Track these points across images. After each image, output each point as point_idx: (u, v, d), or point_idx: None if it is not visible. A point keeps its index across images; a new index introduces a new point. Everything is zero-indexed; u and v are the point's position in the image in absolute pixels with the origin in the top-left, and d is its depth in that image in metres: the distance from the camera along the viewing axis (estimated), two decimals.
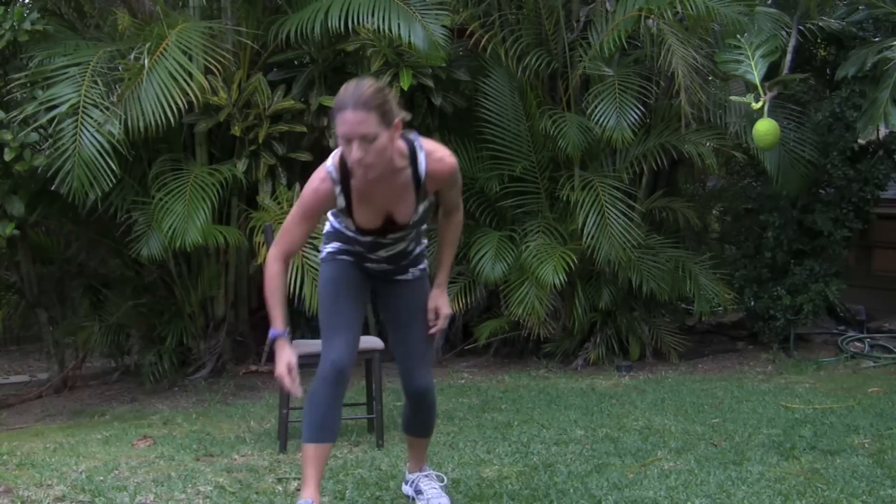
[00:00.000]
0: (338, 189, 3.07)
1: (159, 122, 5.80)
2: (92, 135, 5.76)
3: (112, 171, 5.79)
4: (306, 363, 5.24)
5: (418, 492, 3.50)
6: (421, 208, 3.14)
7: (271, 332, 3.12)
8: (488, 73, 6.92)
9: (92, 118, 5.78)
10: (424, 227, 3.28)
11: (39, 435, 5.25)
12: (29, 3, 6.49)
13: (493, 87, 6.91)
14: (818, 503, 3.42)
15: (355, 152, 2.89)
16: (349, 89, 2.92)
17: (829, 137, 6.77)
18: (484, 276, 6.63)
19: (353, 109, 2.86)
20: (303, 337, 6.46)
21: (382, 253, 3.22)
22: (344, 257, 3.26)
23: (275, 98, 6.54)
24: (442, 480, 3.56)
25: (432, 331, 3.31)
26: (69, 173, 5.74)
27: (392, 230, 3.16)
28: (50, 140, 5.83)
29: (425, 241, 3.40)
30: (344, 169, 3.03)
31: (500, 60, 6.79)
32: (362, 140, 2.87)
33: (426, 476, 3.53)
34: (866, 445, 4.24)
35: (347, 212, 3.11)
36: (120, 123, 5.79)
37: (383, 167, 2.96)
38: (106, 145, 5.75)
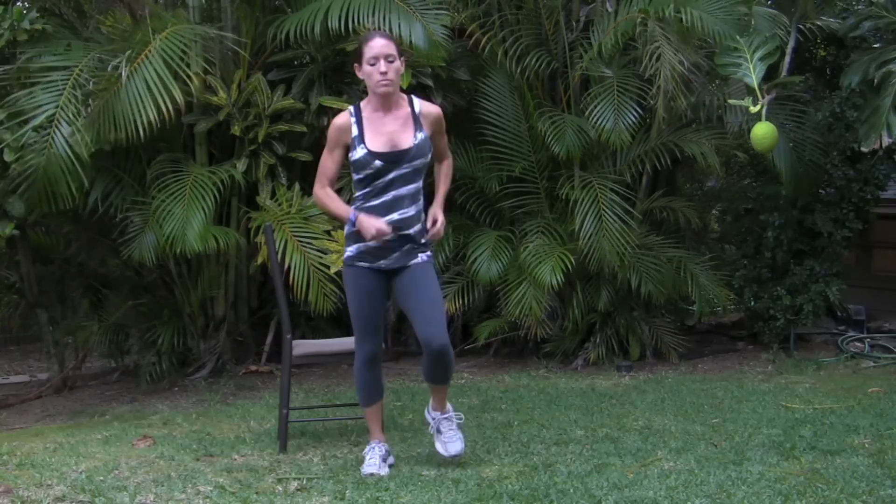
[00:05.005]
0: (353, 120, 3.95)
1: (131, 134, 5.67)
2: (60, 151, 5.57)
3: (71, 191, 5.66)
4: (306, 363, 5.28)
5: (438, 431, 4.14)
6: (419, 136, 3.93)
7: (351, 215, 3.93)
8: (488, 74, 6.92)
9: (62, 134, 5.59)
10: (422, 181, 3.97)
11: (39, 435, 5.25)
12: (28, 2, 6.48)
13: (492, 87, 6.91)
14: (818, 503, 3.42)
15: (381, 67, 3.85)
16: (374, 30, 4.49)
17: (829, 137, 6.77)
18: (480, 276, 6.64)
19: (381, 37, 3.94)
20: (303, 337, 6.50)
21: (395, 216, 3.89)
22: (361, 264, 3.97)
23: (274, 98, 6.54)
24: (460, 419, 4.20)
25: (429, 236, 4.01)
26: (31, 185, 5.63)
27: (399, 159, 3.88)
28: (22, 147, 5.64)
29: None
30: (358, 109, 3.98)
31: (499, 60, 6.79)
32: (386, 59, 3.86)
33: (446, 419, 4.14)
34: (866, 445, 4.24)
35: (360, 138, 3.91)
36: (90, 135, 5.62)
37: (395, 88, 3.92)
38: (69, 164, 5.59)
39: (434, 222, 4.03)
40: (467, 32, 6.89)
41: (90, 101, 5.76)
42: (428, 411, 4.23)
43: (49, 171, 5.60)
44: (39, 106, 5.66)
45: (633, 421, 4.97)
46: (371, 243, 3.91)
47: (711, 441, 4.45)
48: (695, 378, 6.36)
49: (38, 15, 6.02)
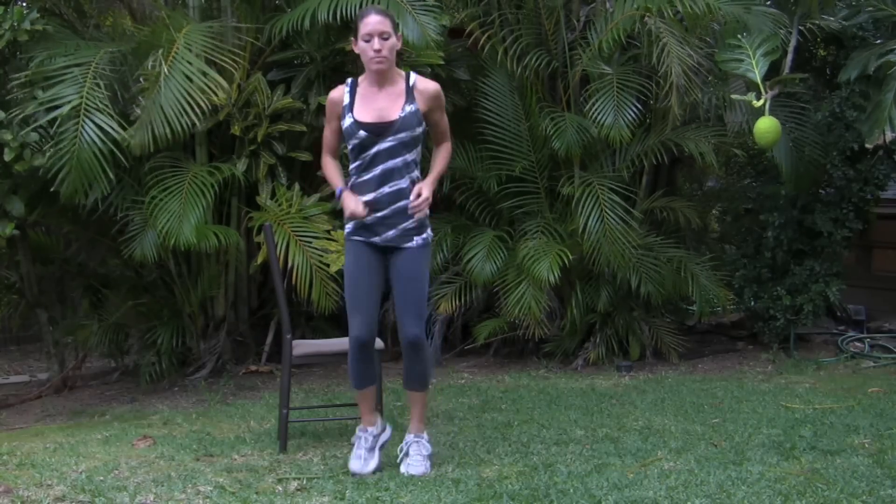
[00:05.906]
0: (347, 90, 4.02)
1: (184, 126, 5.75)
2: (91, 138, 5.67)
3: (108, 176, 5.74)
4: (306, 363, 5.28)
5: (406, 454, 4.09)
6: (408, 108, 3.94)
7: (337, 190, 4.04)
8: (488, 73, 6.92)
9: (93, 122, 5.69)
10: (415, 154, 4.00)
11: (39, 435, 5.25)
12: (28, 3, 6.48)
13: (492, 86, 6.91)
14: (818, 503, 3.42)
15: (375, 45, 3.87)
16: (369, 7, 4.10)
17: (829, 137, 6.77)
18: (475, 276, 6.64)
19: (376, 14, 3.93)
20: (303, 337, 6.50)
21: (387, 189, 3.93)
22: (358, 238, 4.02)
23: (274, 97, 6.54)
24: (429, 452, 4.11)
25: (412, 208, 3.93)
26: (66, 176, 5.68)
27: (383, 131, 3.92)
28: (52, 141, 5.75)
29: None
30: (355, 83, 4.04)
31: (499, 60, 6.79)
32: (381, 36, 3.87)
33: (416, 442, 4.11)
34: (866, 445, 4.24)
35: (350, 107, 3.97)
36: (146, 138, 5.75)
37: (389, 65, 3.92)
38: (104, 150, 5.67)
39: (418, 195, 3.93)
40: (467, 32, 6.89)
41: (116, 90, 5.91)
42: (404, 440, 4.16)
43: (82, 158, 5.65)
44: (61, 98, 5.71)
45: (633, 421, 4.97)
46: (368, 218, 3.95)
47: (711, 441, 4.45)
48: (695, 378, 6.36)
49: (38, 15, 6.03)
